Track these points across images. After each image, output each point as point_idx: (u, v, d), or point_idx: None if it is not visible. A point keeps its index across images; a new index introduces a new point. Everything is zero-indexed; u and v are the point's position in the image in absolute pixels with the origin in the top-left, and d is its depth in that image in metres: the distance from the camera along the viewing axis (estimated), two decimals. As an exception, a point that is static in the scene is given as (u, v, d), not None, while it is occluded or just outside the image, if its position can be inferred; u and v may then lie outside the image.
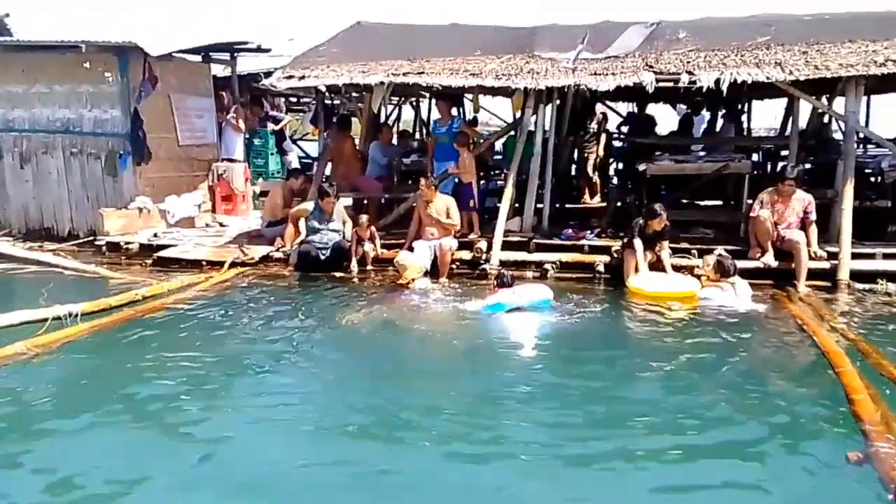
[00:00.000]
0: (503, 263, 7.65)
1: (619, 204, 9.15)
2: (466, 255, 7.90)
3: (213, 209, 10.78)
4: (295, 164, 12.33)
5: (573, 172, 11.12)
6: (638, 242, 7.18)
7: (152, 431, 3.96)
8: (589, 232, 8.24)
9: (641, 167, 8.51)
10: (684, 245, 7.69)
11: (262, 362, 4.97)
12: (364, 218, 8.12)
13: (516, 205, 8.66)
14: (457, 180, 8.65)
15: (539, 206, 8.64)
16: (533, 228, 8.34)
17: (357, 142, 10.30)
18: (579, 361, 5.10)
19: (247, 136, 11.99)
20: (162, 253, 8.36)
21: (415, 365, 4.88)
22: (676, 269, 7.26)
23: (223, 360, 5.00)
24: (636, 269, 7.12)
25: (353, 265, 7.78)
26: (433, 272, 7.66)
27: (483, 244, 7.87)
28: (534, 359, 5.13)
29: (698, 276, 7.06)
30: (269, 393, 4.43)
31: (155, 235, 9.10)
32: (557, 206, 9.81)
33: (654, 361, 5.01)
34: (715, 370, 4.84)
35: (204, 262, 8.01)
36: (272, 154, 12.53)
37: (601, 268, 7.55)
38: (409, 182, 10.19)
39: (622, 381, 4.74)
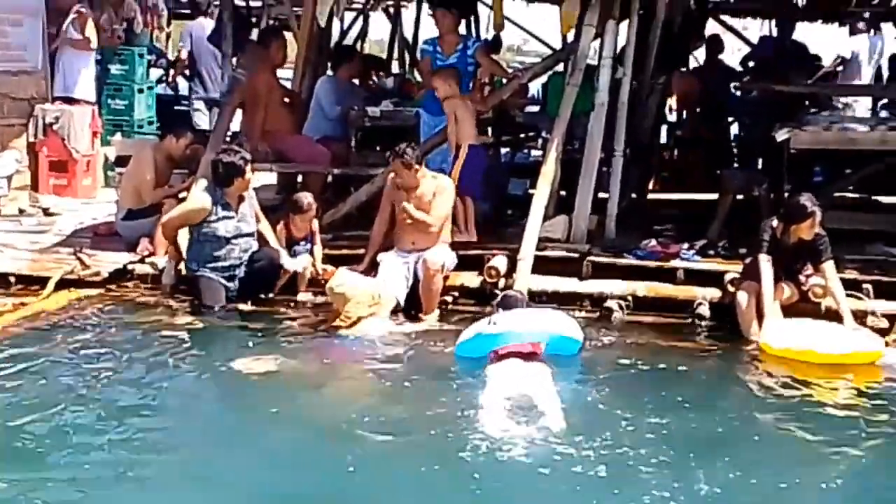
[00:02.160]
0: (535, 296, 7.61)
1: (739, 196, 9.16)
2: (471, 278, 7.89)
3: (35, 185, 10.74)
4: (203, 123, 12.19)
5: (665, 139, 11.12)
6: (766, 262, 7.16)
7: None
8: (686, 246, 8.23)
9: (781, 135, 8.52)
10: (851, 274, 7.67)
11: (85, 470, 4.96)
12: (308, 199, 8.09)
13: (562, 193, 8.65)
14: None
15: (601, 196, 8.59)
16: (589, 236, 8.35)
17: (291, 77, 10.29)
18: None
19: (99, 57, 11.95)
20: (-59, 260, 8.33)
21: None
22: (831, 312, 7.23)
23: (23, 457, 5.00)
24: (759, 312, 7.12)
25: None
26: (412, 306, 7.65)
27: (500, 262, 7.85)
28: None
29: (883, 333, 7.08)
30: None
31: (-71, 228, 9.09)
32: (634, 196, 9.80)
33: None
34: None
35: (13, 278, 8.01)
36: (141, 91, 12.53)
37: (705, 309, 7.55)
38: (378, 149, 10.17)
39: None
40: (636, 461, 5.19)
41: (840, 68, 10.93)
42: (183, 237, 7.99)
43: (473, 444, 5.27)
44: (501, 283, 7.72)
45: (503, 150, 11.46)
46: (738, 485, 4.99)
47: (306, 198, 8.12)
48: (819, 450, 5.57)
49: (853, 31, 10.82)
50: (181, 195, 8.64)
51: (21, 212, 10.12)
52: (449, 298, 7.79)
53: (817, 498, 4.98)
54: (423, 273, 7.62)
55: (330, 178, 9.80)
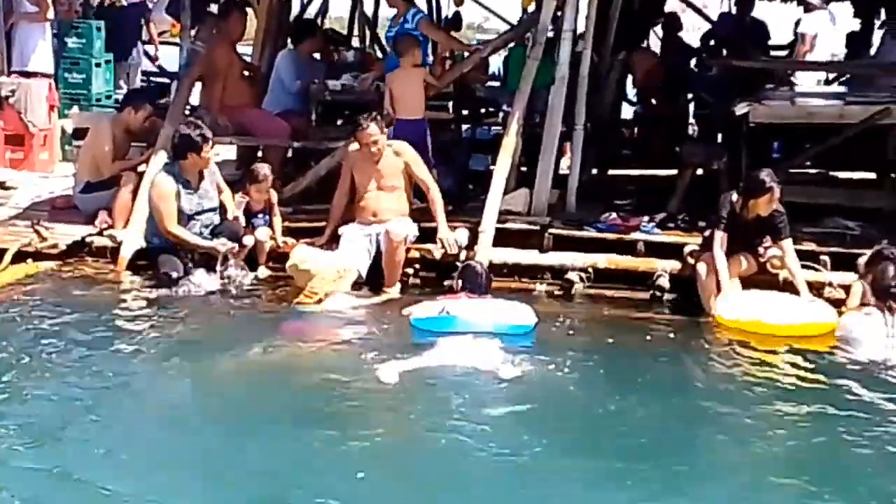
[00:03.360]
0: (496, 269, 7.62)
1: (699, 171, 9.19)
2: (433, 251, 7.85)
3: (-8, 158, 10.57)
4: None
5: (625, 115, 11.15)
6: (720, 238, 7.21)
7: None
8: (646, 219, 8.28)
9: (741, 109, 8.58)
10: (809, 246, 7.75)
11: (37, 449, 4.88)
12: (264, 170, 8.04)
13: (523, 169, 8.66)
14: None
15: (563, 171, 8.61)
16: (550, 210, 8.37)
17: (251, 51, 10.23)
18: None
19: (56, 31, 11.79)
20: None
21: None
22: (789, 283, 7.28)
23: None
24: (718, 284, 7.15)
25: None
26: (374, 278, 7.62)
27: (462, 234, 7.85)
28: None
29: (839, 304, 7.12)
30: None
31: None
32: (595, 171, 9.83)
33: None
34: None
35: (-31, 252, 7.94)
36: (98, 65, 12.42)
37: (664, 281, 7.59)
38: (339, 122, 10.14)
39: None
40: (590, 438, 5.25)
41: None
42: (142, 210, 7.94)
43: (431, 419, 5.30)
44: (463, 255, 7.71)
45: (464, 126, 11.47)
46: (690, 461, 5.05)
47: (262, 168, 8.08)
48: (770, 424, 5.56)
49: (808, 9, 10.89)
50: (139, 168, 8.58)
51: (-22, 186, 10.01)
52: (410, 270, 7.79)
53: (773, 472, 4.97)
54: (385, 245, 7.59)
55: (290, 152, 9.77)
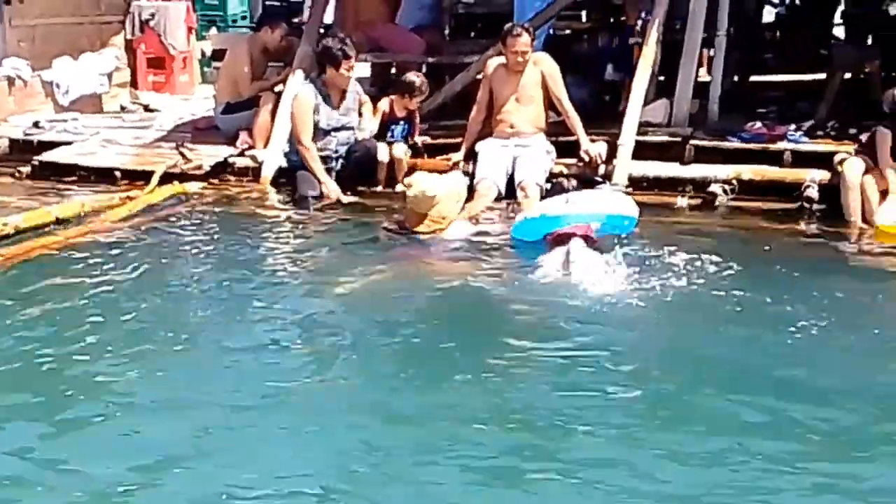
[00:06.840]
0: (635, 183, 7.46)
1: (847, 75, 8.84)
2: (571, 165, 7.74)
3: (134, 82, 10.86)
4: None
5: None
6: (884, 137, 6.90)
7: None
8: (793, 127, 7.97)
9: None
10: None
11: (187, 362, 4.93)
12: (420, 80, 7.95)
13: (661, 78, 8.41)
14: (551, 31, 8.55)
15: (703, 79, 8.36)
16: (691, 120, 8.15)
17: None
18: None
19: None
20: (48, 156, 8.53)
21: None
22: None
23: (126, 357, 4.93)
24: (885, 192, 6.89)
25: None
26: (512, 193, 7.49)
27: (600, 148, 7.69)
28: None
29: None
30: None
31: (36, 125, 9.24)
32: (736, 78, 9.53)
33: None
34: None
35: (118, 173, 8.17)
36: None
37: (813, 191, 7.32)
38: (472, 35, 10.02)
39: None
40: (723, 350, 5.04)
41: None
42: (282, 130, 7.99)
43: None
44: (602, 169, 7.59)
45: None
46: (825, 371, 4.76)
47: (417, 77, 7.99)
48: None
49: None
50: (277, 88, 8.64)
51: (122, 108, 10.29)
52: (548, 187, 7.63)
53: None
54: (521, 196, 7.37)
55: (424, 68, 9.69)
